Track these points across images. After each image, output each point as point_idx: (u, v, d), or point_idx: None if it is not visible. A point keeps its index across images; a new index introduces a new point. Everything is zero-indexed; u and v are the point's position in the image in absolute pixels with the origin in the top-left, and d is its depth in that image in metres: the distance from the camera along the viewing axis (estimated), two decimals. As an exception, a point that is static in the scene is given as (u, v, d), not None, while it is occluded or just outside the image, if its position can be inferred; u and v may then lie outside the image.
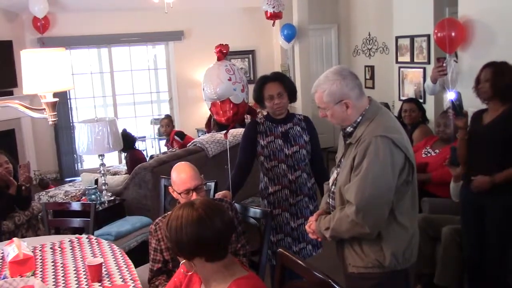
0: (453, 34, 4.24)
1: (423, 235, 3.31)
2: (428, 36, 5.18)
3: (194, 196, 2.44)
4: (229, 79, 2.95)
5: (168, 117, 6.54)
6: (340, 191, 2.12)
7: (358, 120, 2.14)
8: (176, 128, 6.78)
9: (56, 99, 1.93)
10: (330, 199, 2.28)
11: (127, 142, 5.61)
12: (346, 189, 2.07)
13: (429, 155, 4.18)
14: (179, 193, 2.47)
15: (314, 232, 2.27)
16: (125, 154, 5.67)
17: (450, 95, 3.35)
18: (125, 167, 5.86)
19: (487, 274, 3.07)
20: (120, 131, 5.68)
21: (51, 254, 2.81)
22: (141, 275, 2.55)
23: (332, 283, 1.77)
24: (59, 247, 2.91)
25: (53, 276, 2.51)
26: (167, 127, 6.33)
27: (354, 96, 2.11)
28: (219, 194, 2.89)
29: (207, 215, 1.72)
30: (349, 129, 2.17)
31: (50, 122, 1.90)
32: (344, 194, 2.08)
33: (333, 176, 2.29)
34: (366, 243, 2.12)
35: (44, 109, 1.94)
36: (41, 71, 1.91)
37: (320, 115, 2.21)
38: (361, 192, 2.00)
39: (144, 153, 6.86)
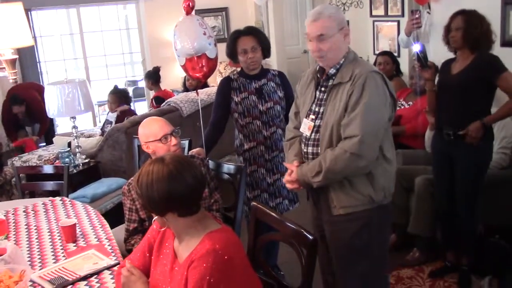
0: (426, -16, 4.18)
1: (397, 186, 3.34)
2: (402, -12, 5.13)
3: (173, 140, 2.41)
4: (204, 33, 2.89)
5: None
6: (331, 132, 2.12)
7: (341, 62, 2.18)
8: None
9: (16, 56, 1.85)
10: (309, 148, 2.24)
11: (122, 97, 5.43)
12: (345, 124, 2.07)
13: (402, 107, 4.20)
14: (159, 140, 2.39)
15: (294, 182, 2.25)
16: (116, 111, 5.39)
17: (415, 47, 3.35)
18: (100, 130, 5.75)
19: (457, 222, 3.14)
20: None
21: (24, 217, 2.78)
22: (117, 236, 2.54)
23: (304, 232, 1.79)
24: (32, 210, 2.88)
25: (27, 239, 2.49)
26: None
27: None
28: (192, 151, 2.86)
29: (178, 170, 1.69)
30: (332, 70, 2.19)
31: (11, 80, 1.83)
32: (342, 131, 2.08)
33: (308, 125, 2.24)
34: (357, 181, 2.14)
35: (4, 68, 1.87)
36: (-3, 26, 1.82)
37: (314, 48, 2.16)
38: (366, 122, 2.03)
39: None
